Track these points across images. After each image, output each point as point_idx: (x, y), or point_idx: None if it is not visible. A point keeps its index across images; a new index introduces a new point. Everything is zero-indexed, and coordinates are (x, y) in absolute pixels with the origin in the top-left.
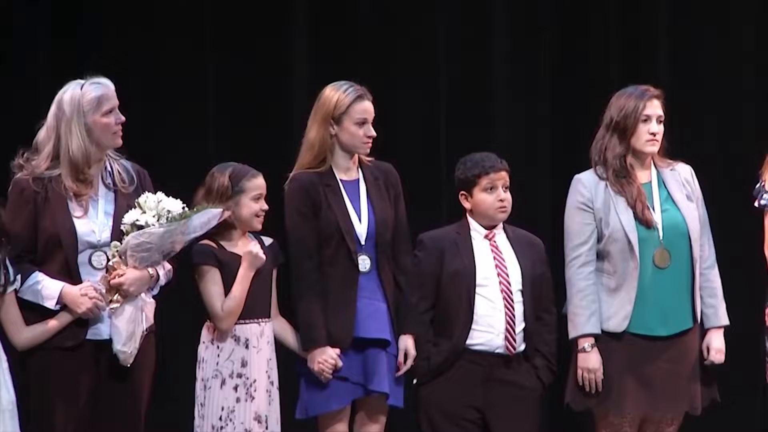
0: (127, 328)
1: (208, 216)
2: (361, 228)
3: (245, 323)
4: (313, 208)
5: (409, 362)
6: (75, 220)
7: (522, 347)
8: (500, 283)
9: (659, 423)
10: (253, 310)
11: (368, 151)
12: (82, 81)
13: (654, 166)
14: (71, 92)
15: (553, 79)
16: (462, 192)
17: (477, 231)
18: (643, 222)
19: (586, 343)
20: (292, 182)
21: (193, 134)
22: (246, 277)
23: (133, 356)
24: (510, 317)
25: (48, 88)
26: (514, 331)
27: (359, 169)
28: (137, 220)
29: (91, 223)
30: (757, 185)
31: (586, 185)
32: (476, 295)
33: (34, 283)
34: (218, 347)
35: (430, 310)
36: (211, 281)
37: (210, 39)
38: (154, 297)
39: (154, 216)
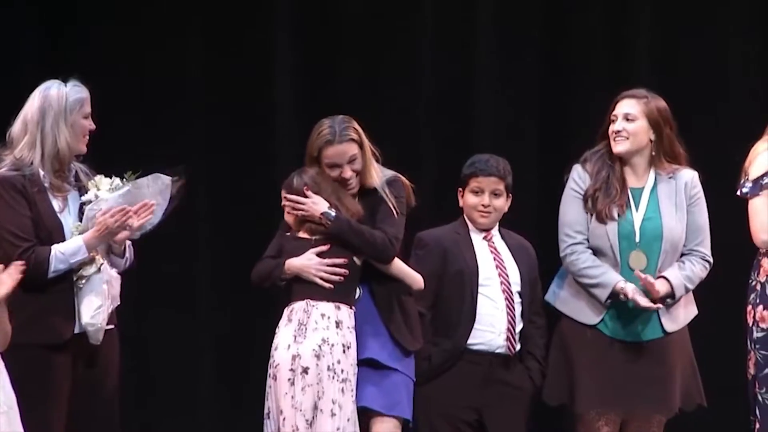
0: (93, 301)
1: (162, 182)
2: None
3: None
4: None
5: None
6: (59, 215)
7: (518, 347)
8: (501, 283)
9: (640, 425)
10: None
11: (351, 190)
12: (62, 82)
13: (655, 173)
14: (57, 90)
15: (539, 79)
16: (459, 189)
17: (475, 232)
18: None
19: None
20: None
21: (179, 134)
22: None
23: (101, 333)
24: (511, 317)
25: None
26: (514, 331)
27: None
28: (94, 196)
29: (70, 218)
30: (742, 180)
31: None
32: (479, 295)
33: (54, 255)
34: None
35: (429, 310)
36: None
37: (196, 38)
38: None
39: (108, 190)
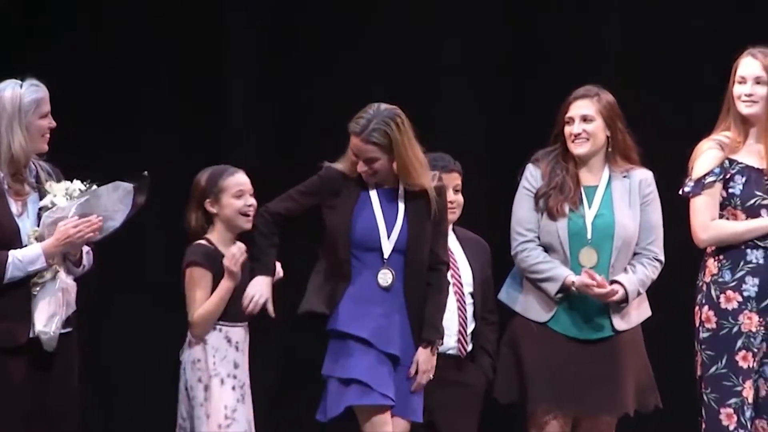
0: (47, 308)
1: (123, 189)
2: (388, 243)
3: (234, 326)
4: (323, 195)
5: (421, 376)
6: (16, 219)
7: (470, 348)
8: (453, 284)
9: (591, 424)
10: (240, 312)
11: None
12: (19, 81)
13: (609, 171)
14: (11, 91)
15: (502, 80)
16: None
17: None
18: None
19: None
20: (319, 169)
21: (138, 139)
22: (226, 288)
23: (55, 341)
24: (462, 318)
25: None
26: (465, 332)
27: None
28: (50, 202)
29: (28, 222)
30: (686, 179)
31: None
32: None
33: (12, 261)
34: (213, 348)
35: None
36: (197, 284)
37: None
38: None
39: (64, 196)
